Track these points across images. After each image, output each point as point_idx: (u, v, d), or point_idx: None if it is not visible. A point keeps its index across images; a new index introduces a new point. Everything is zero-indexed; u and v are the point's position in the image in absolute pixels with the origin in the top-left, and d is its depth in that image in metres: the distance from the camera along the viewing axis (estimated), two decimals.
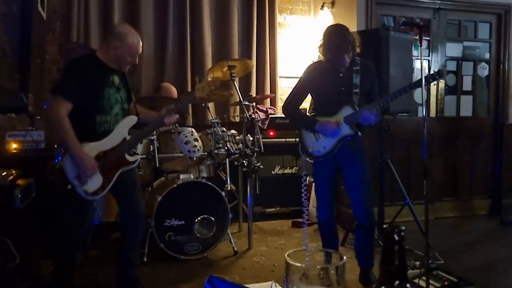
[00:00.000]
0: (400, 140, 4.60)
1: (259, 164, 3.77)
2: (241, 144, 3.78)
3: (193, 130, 3.59)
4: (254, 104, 4.17)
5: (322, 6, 5.02)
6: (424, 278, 2.58)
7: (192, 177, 3.63)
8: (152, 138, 3.41)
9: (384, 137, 3.79)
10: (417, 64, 4.65)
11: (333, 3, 4.96)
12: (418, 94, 4.39)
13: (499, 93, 5.11)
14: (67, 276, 2.70)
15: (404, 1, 4.67)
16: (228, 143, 3.66)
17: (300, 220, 4.14)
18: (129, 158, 2.68)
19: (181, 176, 3.55)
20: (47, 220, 3.46)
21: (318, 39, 2.82)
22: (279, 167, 4.74)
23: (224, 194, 3.54)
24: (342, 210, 4.22)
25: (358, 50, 2.74)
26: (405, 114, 4.37)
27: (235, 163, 3.91)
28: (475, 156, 5.06)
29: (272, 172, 4.71)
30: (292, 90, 2.99)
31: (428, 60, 4.75)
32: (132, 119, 2.72)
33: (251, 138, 3.89)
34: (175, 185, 3.39)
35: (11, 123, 4.09)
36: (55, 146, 3.63)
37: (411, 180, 4.57)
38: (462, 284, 2.76)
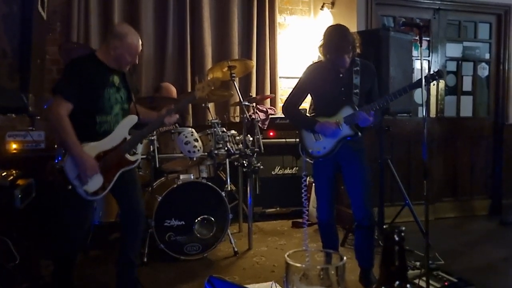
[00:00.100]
0: (400, 140, 4.60)
1: (259, 164, 3.76)
2: (241, 145, 3.78)
3: (193, 130, 3.59)
4: (254, 104, 4.17)
5: (322, 7, 5.02)
6: (424, 278, 2.58)
7: (192, 177, 3.63)
8: (152, 138, 3.41)
9: (384, 138, 3.79)
10: (417, 64, 4.65)
11: (333, 4, 4.96)
12: (418, 95, 4.39)
13: (499, 93, 5.11)
14: (67, 276, 2.70)
15: (404, 1, 4.67)
16: (228, 144, 3.66)
17: (300, 220, 4.14)
18: (130, 158, 2.68)
19: (181, 177, 3.55)
20: (47, 220, 3.46)
21: (318, 39, 2.82)
22: (279, 167, 4.74)
23: (224, 195, 3.54)
24: (342, 210, 4.22)
25: (358, 50, 2.74)
26: (405, 115, 4.37)
27: (235, 163, 3.91)
28: (475, 157, 5.06)
29: (272, 172, 4.71)
30: (292, 90, 2.99)
31: (428, 61, 4.75)
32: (132, 119, 2.73)
33: (251, 139, 3.89)
34: (175, 186, 3.39)
35: (11, 123, 4.09)
36: (55, 146, 3.63)
37: (411, 180, 4.57)
38: (462, 285, 2.76)
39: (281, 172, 4.74)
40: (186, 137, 3.44)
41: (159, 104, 3.39)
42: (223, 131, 3.70)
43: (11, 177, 2.79)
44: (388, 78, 3.48)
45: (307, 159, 2.94)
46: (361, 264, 2.95)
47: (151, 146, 3.42)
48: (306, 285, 0.81)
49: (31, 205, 2.91)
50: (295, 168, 4.75)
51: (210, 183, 3.51)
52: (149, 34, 4.63)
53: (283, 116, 3.27)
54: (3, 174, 2.80)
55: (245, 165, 3.67)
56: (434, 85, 4.76)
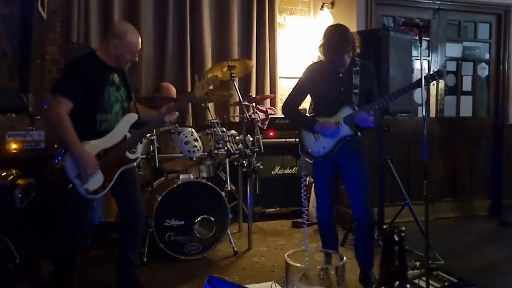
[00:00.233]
0: (400, 140, 4.60)
1: (259, 164, 3.77)
2: (241, 144, 3.79)
3: (193, 130, 3.59)
4: (254, 104, 4.17)
5: (322, 7, 5.02)
6: (424, 278, 2.58)
7: (192, 177, 3.63)
8: (152, 138, 3.41)
9: (384, 138, 3.79)
10: (417, 64, 4.65)
11: (332, 4, 4.96)
12: (418, 95, 4.39)
13: (499, 93, 5.11)
14: (67, 276, 2.70)
15: (404, 1, 4.67)
16: (228, 143, 3.66)
17: (300, 220, 4.14)
18: (130, 156, 2.68)
19: (181, 176, 3.55)
20: (47, 220, 3.46)
21: (318, 39, 2.82)
22: (279, 167, 4.74)
23: (224, 194, 3.54)
24: (342, 210, 4.23)
25: (358, 50, 2.74)
26: (405, 115, 4.37)
27: (235, 163, 3.91)
28: (475, 157, 5.06)
29: (272, 172, 4.71)
30: (292, 90, 2.99)
31: (428, 61, 4.75)
32: (132, 117, 2.73)
33: (251, 138, 3.89)
34: (175, 185, 3.39)
35: (11, 123, 4.09)
36: (55, 146, 3.63)
37: (411, 180, 4.57)
38: (462, 285, 2.76)
39: (281, 172, 4.74)
40: (186, 137, 3.44)
41: (159, 104, 3.39)
42: (223, 131, 3.70)
43: (11, 177, 2.79)
44: (388, 78, 3.48)
45: (307, 159, 2.94)
46: (361, 264, 2.95)
47: (151, 146, 3.42)
48: (306, 285, 0.81)
49: (31, 205, 2.92)
50: (295, 168, 4.75)
51: (210, 183, 3.51)
52: (149, 34, 4.63)
53: (283, 116, 3.27)
54: (3, 174, 2.80)
55: (245, 165, 3.67)
56: (434, 85, 4.76)
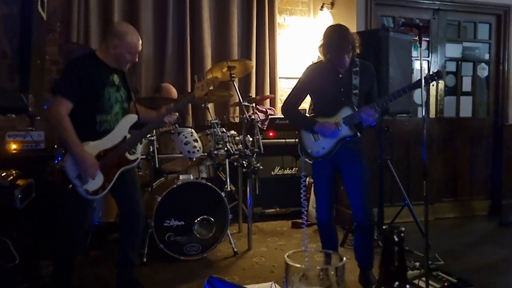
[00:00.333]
0: (399, 140, 4.60)
1: (258, 164, 3.77)
2: (240, 145, 3.79)
3: (193, 130, 3.59)
4: (253, 104, 4.17)
5: (322, 7, 5.02)
6: (424, 279, 2.58)
7: (191, 177, 3.64)
8: (152, 138, 3.41)
9: (383, 138, 3.79)
10: (416, 64, 4.65)
11: (332, 4, 4.97)
12: (417, 95, 4.39)
13: (498, 93, 5.12)
14: (67, 276, 2.71)
15: (404, 2, 4.67)
16: (227, 144, 3.66)
17: (300, 221, 4.14)
18: (130, 157, 2.69)
19: (181, 177, 3.55)
20: (47, 221, 3.46)
21: (318, 39, 2.82)
22: (278, 167, 4.74)
23: (223, 195, 3.54)
24: (342, 210, 4.23)
25: (358, 50, 2.74)
26: (405, 115, 4.37)
27: (235, 163, 3.91)
28: (474, 157, 5.06)
29: (272, 172, 4.71)
30: (292, 91, 2.99)
31: (428, 61, 4.75)
32: (132, 117, 2.73)
33: (250, 139, 3.89)
34: (174, 186, 3.39)
35: (11, 124, 4.09)
36: (55, 146, 3.63)
37: (411, 180, 4.57)
38: (462, 285, 2.76)
39: (280, 173, 4.74)
40: (185, 137, 3.44)
41: (159, 105, 3.39)
42: (223, 132, 3.70)
43: (11, 177, 2.79)
44: (388, 78, 3.48)
45: (306, 160, 2.94)
46: (361, 264, 2.95)
47: (151, 147, 3.43)
48: (305, 286, 0.81)
49: (31, 205, 2.91)
50: (294, 168, 4.75)
51: (209, 184, 3.51)
52: (149, 34, 4.64)
53: (282, 116, 3.27)
54: (3, 174, 2.80)
55: (245, 165, 3.67)
56: (433, 85, 4.76)
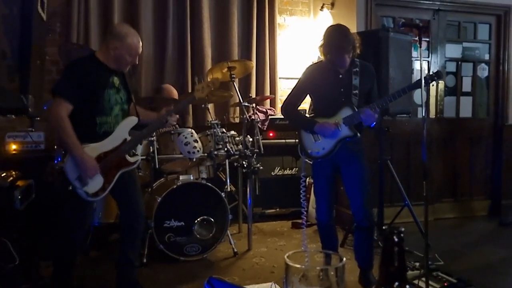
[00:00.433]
0: (399, 141, 4.60)
1: (258, 165, 3.77)
2: (240, 145, 3.79)
3: (193, 131, 3.59)
4: (253, 105, 4.17)
5: (322, 7, 5.02)
6: (423, 279, 2.58)
7: (191, 178, 3.63)
8: (152, 139, 3.41)
9: (383, 138, 3.79)
10: (416, 65, 4.65)
11: (332, 4, 4.97)
12: (417, 95, 4.39)
13: (498, 94, 5.11)
14: (67, 277, 2.71)
15: (404, 2, 4.67)
16: (227, 144, 3.66)
17: (300, 221, 4.14)
18: (130, 159, 2.68)
19: (181, 177, 3.55)
20: (47, 221, 3.46)
21: (318, 40, 2.82)
22: (278, 168, 4.74)
23: (223, 195, 3.54)
24: (342, 211, 4.23)
25: (358, 51, 2.74)
26: (405, 115, 4.37)
27: (235, 164, 3.91)
28: (474, 157, 5.06)
29: (272, 173, 4.71)
30: (291, 91, 2.99)
31: (428, 61, 4.75)
32: (132, 120, 2.73)
33: (250, 139, 3.89)
34: (174, 186, 3.39)
35: (11, 124, 4.08)
36: (55, 147, 3.63)
37: (411, 181, 4.57)
38: (462, 285, 2.76)
39: (280, 173, 4.74)
40: (185, 138, 3.44)
41: (159, 105, 3.39)
42: (223, 132, 3.70)
43: (11, 178, 2.79)
44: (388, 78, 3.48)
45: (306, 160, 2.94)
46: (361, 264, 2.95)
47: (151, 147, 3.42)
48: (305, 286, 0.81)
49: (31, 206, 2.91)
50: (294, 168, 4.75)
51: (209, 184, 3.51)
52: (149, 35, 4.63)
53: (282, 117, 3.27)
54: (2, 175, 2.80)
55: (245, 165, 3.67)
56: (433, 85, 4.76)
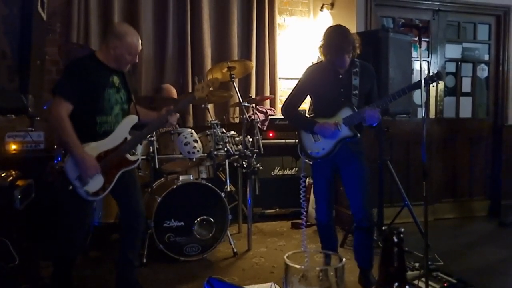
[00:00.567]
0: (399, 141, 4.60)
1: (258, 165, 3.77)
2: (240, 145, 3.79)
3: (193, 131, 3.59)
4: (253, 105, 4.17)
5: (322, 8, 5.02)
6: (423, 279, 2.58)
7: (191, 178, 3.63)
8: (152, 139, 3.41)
9: (383, 139, 3.79)
10: (416, 65, 4.65)
11: (332, 5, 4.97)
12: (417, 96, 4.39)
13: (498, 94, 5.12)
14: (67, 277, 2.70)
15: (404, 2, 4.67)
16: (227, 144, 3.66)
17: (300, 221, 4.14)
18: (130, 158, 2.68)
19: (181, 177, 3.55)
20: (47, 221, 3.46)
21: (318, 40, 2.82)
22: (278, 168, 4.74)
23: (223, 195, 3.54)
24: (342, 211, 4.23)
25: (358, 51, 2.75)
26: (405, 116, 4.37)
27: (235, 164, 3.91)
28: (474, 158, 5.06)
29: (272, 173, 4.71)
30: (292, 91, 2.99)
31: (428, 62, 4.74)
32: (132, 119, 2.73)
33: (250, 139, 3.89)
34: (174, 186, 3.39)
35: (11, 124, 4.08)
36: (55, 147, 3.63)
37: (411, 181, 4.57)
38: (462, 286, 2.76)
39: (280, 173, 4.74)
40: (185, 138, 3.44)
41: (159, 105, 3.39)
42: (223, 132, 3.70)
43: (11, 178, 2.78)
44: (387, 79, 3.48)
45: (306, 160, 2.94)
46: (361, 265, 2.95)
47: (151, 147, 3.43)
48: (305, 286, 0.81)
49: (31, 206, 2.91)
50: (294, 169, 4.75)
51: (209, 184, 3.51)
52: (149, 35, 4.64)
53: (282, 117, 3.27)
54: (2, 175, 2.80)
55: (245, 166, 3.67)
56: (433, 86, 4.76)
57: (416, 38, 2.67)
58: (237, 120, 4.90)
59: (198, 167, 3.92)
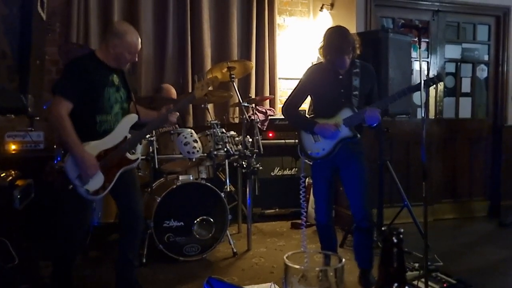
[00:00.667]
0: (399, 142, 4.60)
1: (258, 165, 3.77)
2: (240, 145, 3.79)
3: (193, 131, 3.59)
4: (253, 105, 4.17)
5: (321, 8, 5.02)
6: (423, 280, 2.58)
7: (191, 178, 3.63)
8: (152, 139, 3.41)
9: (383, 139, 3.79)
10: (416, 66, 4.65)
11: (332, 5, 4.97)
12: (417, 96, 4.38)
13: (498, 95, 5.12)
14: (67, 277, 2.70)
15: (403, 3, 4.67)
16: (227, 144, 3.66)
17: (299, 221, 4.14)
18: (130, 156, 2.68)
19: (180, 177, 3.55)
20: (46, 221, 3.46)
21: (318, 40, 2.83)
22: (278, 168, 4.74)
23: (223, 195, 3.54)
24: (341, 211, 4.23)
25: (358, 52, 2.75)
26: (404, 116, 4.37)
27: (235, 164, 3.91)
28: (474, 158, 5.06)
29: (271, 173, 4.71)
30: (292, 92, 2.99)
31: (427, 62, 4.75)
32: (132, 117, 2.73)
33: (250, 140, 3.88)
34: (174, 186, 3.39)
35: (11, 124, 4.08)
36: (54, 146, 3.63)
37: (410, 181, 4.57)
38: (461, 286, 2.76)
39: (280, 173, 4.74)
40: (185, 138, 3.44)
41: (159, 105, 3.39)
42: (223, 132, 3.70)
43: (10, 178, 2.79)
44: (387, 79, 3.48)
45: (306, 161, 2.94)
46: (361, 265, 2.95)
47: (151, 147, 3.42)
48: (304, 287, 0.81)
49: (30, 206, 2.92)
50: (294, 169, 4.75)
51: (209, 184, 3.51)
52: (149, 35, 4.64)
53: (282, 117, 3.27)
54: (2, 175, 2.80)
55: (244, 166, 3.67)
56: (434, 88, 4.77)
57: (416, 39, 2.66)
58: (237, 120, 4.90)
59: (198, 167, 3.92)
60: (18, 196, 2.71)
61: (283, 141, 4.67)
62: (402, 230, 0.78)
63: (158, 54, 4.70)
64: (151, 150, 3.42)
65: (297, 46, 5.27)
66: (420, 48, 2.80)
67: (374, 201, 3.57)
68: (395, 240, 0.78)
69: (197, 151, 3.44)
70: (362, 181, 2.83)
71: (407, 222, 3.68)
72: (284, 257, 0.83)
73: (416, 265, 3.00)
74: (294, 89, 2.98)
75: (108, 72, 2.63)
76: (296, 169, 4.72)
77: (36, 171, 3.35)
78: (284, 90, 5.15)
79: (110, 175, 2.61)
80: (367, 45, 2.97)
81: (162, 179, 3.81)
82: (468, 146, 5.05)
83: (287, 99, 2.99)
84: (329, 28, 2.82)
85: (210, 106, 4.40)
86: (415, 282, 2.65)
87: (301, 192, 3.05)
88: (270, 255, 3.63)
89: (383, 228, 3.59)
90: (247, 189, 3.82)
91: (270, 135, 4.70)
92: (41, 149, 3.82)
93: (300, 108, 3.06)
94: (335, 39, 2.69)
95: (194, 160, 3.52)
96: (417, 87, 2.69)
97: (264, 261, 3.50)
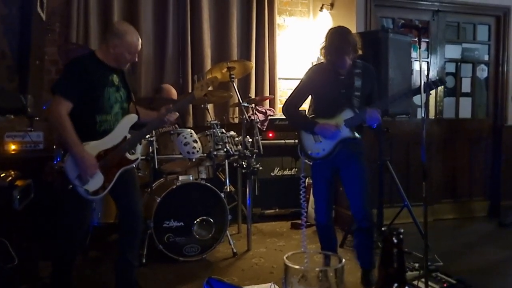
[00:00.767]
0: (399, 142, 4.60)
1: (258, 165, 3.77)
2: (240, 146, 3.78)
3: (192, 131, 3.59)
4: (253, 105, 4.17)
5: (321, 8, 5.02)
6: (423, 280, 2.58)
7: (191, 178, 3.63)
8: (152, 139, 3.41)
9: (383, 139, 3.79)
10: (416, 66, 4.65)
11: (332, 5, 4.96)
12: (417, 96, 4.37)
13: (498, 95, 5.12)
14: (66, 277, 2.70)
15: (403, 3, 4.67)
16: (227, 145, 3.66)
17: (299, 221, 4.14)
18: (130, 156, 2.68)
19: (180, 178, 3.55)
20: (46, 221, 3.45)
21: (318, 40, 2.83)
22: (278, 168, 4.74)
23: (223, 196, 3.54)
24: (341, 212, 4.22)
25: (359, 52, 2.75)
26: (404, 116, 4.37)
27: (234, 164, 3.91)
28: (474, 158, 5.06)
29: (271, 173, 4.71)
30: (293, 92, 3.00)
31: (427, 62, 4.74)
32: (132, 117, 2.73)
33: (250, 140, 3.88)
34: (174, 187, 3.39)
35: (10, 124, 4.08)
36: (54, 147, 3.62)
37: (410, 182, 4.57)
38: (461, 286, 2.76)
39: (280, 173, 4.74)
40: (185, 138, 3.44)
41: (159, 105, 3.39)
42: (222, 132, 3.70)
43: (10, 178, 2.78)
44: (387, 79, 3.48)
45: (306, 161, 2.94)
46: (362, 265, 2.95)
47: (151, 147, 3.42)
48: (304, 287, 0.81)
49: (30, 206, 2.91)
50: (294, 169, 4.75)
51: (209, 184, 3.51)
52: (149, 35, 4.63)
53: (282, 117, 3.28)
54: (1, 175, 2.79)
55: (244, 166, 3.67)
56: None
57: (416, 39, 2.66)
58: (236, 120, 4.90)
59: (198, 167, 3.92)
60: (18, 197, 2.70)
61: (283, 141, 4.66)
62: (402, 230, 0.78)
63: (158, 54, 4.70)
64: (151, 150, 3.42)
65: (297, 46, 5.27)
66: (420, 48, 2.80)
67: (374, 201, 3.56)
68: (395, 240, 0.78)
69: (197, 151, 3.44)
70: (362, 181, 2.83)
71: (407, 222, 3.68)
72: (284, 258, 0.83)
73: (416, 265, 3.00)
74: (295, 89, 2.98)
75: (108, 72, 2.63)
76: (296, 169, 4.72)
77: (36, 171, 3.34)
78: (284, 90, 5.15)
79: (109, 175, 2.60)
80: (367, 45, 2.97)
81: (162, 179, 3.81)
82: (468, 146, 5.04)
83: (287, 99, 2.99)
84: (330, 29, 2.83)
85: (210, 106, 4.40)
86: (415, 282, 2.65)
87: (301, 192, 3.04)
88: (270, 256, 3.63)
89: (383, 228, 3.61)
90: (247, 189, 3.82)
91: (270, 135, 4.70)
92: (41, 149, 3.81)
93: (300, 108, 3.06)
94: (336, 39, 2.70)
95: (194, 160, 3.52)
96: (419, 91, 2.69)
97: (264, 262, 3.50)
